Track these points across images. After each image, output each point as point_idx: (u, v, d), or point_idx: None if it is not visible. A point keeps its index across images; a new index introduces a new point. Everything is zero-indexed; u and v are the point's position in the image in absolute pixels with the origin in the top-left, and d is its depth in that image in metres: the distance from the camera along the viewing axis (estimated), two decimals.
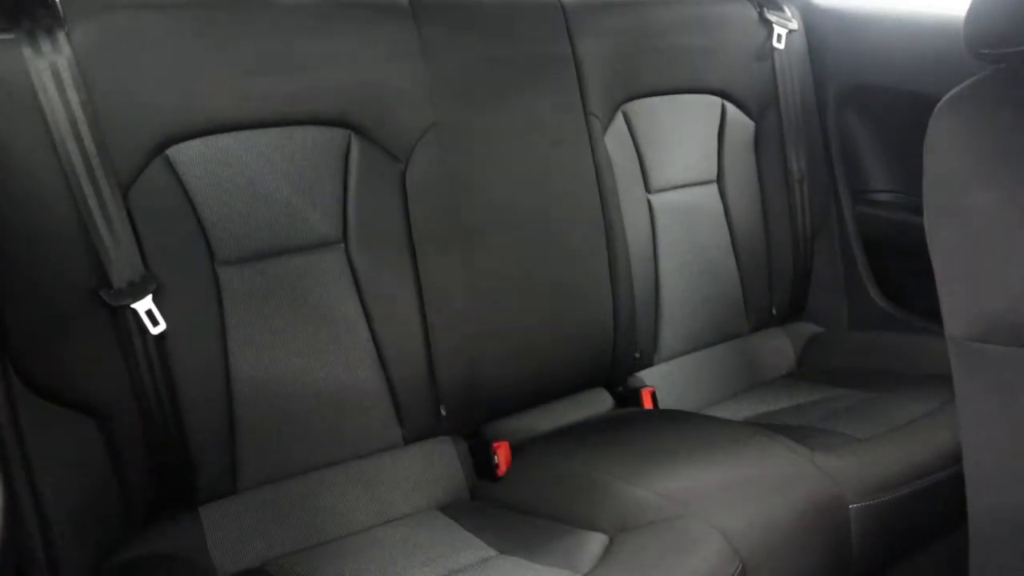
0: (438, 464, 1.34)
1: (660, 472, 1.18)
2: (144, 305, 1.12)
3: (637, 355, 1.61)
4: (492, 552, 1.11)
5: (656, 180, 1.66)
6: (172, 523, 1.17)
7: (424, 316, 1.34)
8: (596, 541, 1.07)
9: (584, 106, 1.52)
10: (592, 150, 1.52)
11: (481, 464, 1.36)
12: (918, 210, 1.81)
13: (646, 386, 1.58)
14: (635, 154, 1.63)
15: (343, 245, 1.29)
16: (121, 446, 1.15)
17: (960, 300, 1.01)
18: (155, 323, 1.13)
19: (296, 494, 1.23)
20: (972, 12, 1.04)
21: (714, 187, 1.75)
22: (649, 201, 1.65)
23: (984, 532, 1.06)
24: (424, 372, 1.34)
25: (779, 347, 1.83)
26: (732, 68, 1.73)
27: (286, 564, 1.16)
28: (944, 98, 1.07)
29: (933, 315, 1.79)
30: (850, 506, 1.16)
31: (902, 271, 1.86)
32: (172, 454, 1.16)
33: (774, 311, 1.83)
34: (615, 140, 1.58)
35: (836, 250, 1.91)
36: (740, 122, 1.77)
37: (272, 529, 1.21)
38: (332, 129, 1.29)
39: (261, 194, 1.23)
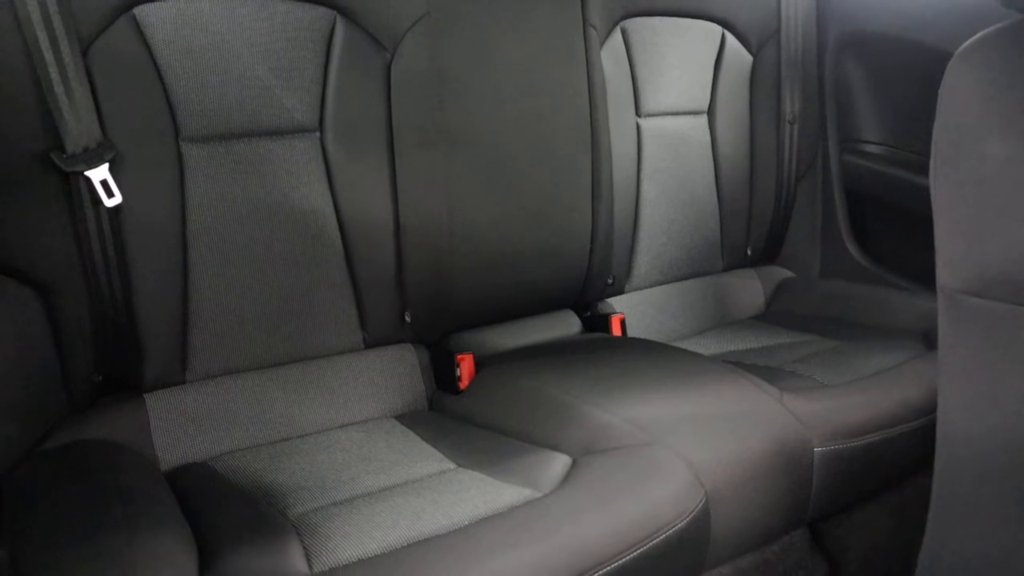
0: (398, 371, 1.29)
1: (628, 399, 1.15)
2: (99, 174, 1.04)
3: (610, 280, 1.57)
4: (450, 465, 1.07)
5: (647, 104, 1.60)
6: (115, 408, 1.11)
7: (397, 216, 1.28)
8: (559, 461, 1.03)
9: (584, 15, 1.44)
10: (587, 63, 1.45)
11: (443, 375, 1.32)
12: (906, 165, 1.82)
13: (616, 313, 1.55)
14: (629, 74, 1.56)
15: (318, 134, 1.22)
16: (65, 323, 1.08)
17: (958, 251, 0.97)
18: (110, 195, 1.05)
19: (248, 389, 1.18)
20: None
21: (704, 118, 1.70)
22: (638, 125, 1.59)
23: (947, 485, 1.05)
24: (391, 275, 1.28)
25: (750, 288, 1.81)
26: None
27: (231, 462, 1.11)
28: (965, 44, 1.02)
29: (905, 272, 1.81)
30: (815, 449, 1.14)
31: (880, 225, 1.84)
32: (119, 336, 1.10)
33: (749, 252, 1.80)
34: (611, 56, 1.51)
35: (817, 197, 1.88)
36: (738, 54, 1.71)
37: (220, 424, 1.16)
38: (316, 7, 1.20)
39: (235, 69, 1.14)
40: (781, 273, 1.86)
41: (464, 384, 1.29)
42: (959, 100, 0.99)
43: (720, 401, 1.16)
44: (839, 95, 1.83)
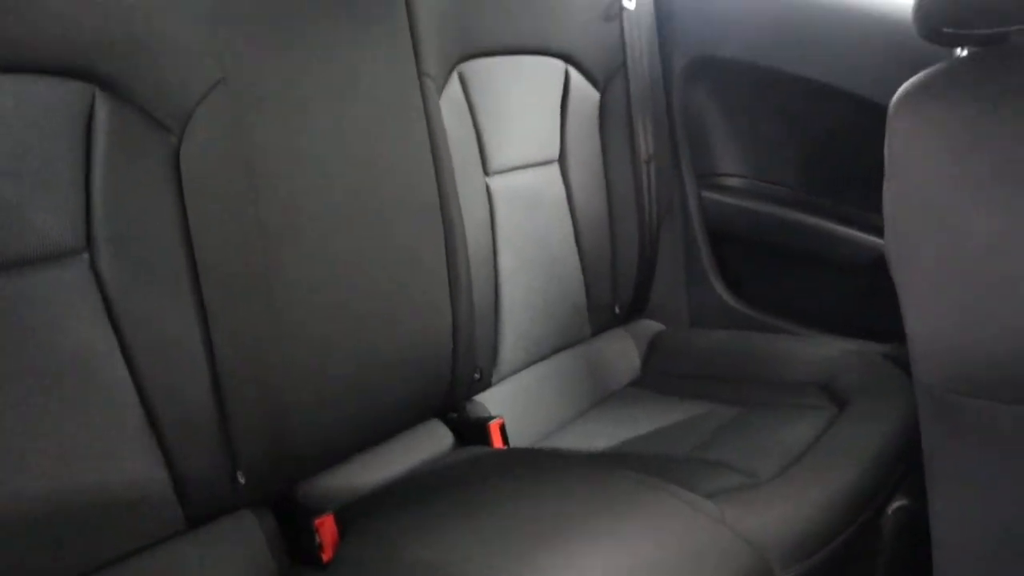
0: (237, 553, 0.97)
1: (533, 556, 0.89)
2: None
3: (477, 375, 1.31)
4: None
5: (495, 160, 1.36)
6: None
7: (209, 348, 0.96)
8: None
9: (417, 64, 1.18)
10: (427, 120, 1.19)
11: (298, 545, 1.01)
12: (768, 198, 1.68)
13: (489, 414, 1.30)
14: (472, 127, 1.32)
15: (87, 255, 0.88)
16: None
17: (936, 342, 0.80)
18: None
19: None
20: None
21: (556, 168, 1.48)
22: (488, 186, 1.35)
23: None
24: (213, 429, 0.96)
25: (624, 350, 1.61)
26: (578, 28, 1.47)
27: None
28: (900, 90, 0.87)
29: (779, 313, 1.68)
30: None
31: (747, 264, 1.71)
32: None
33: (617, 309, 1.61)
34: (451, 108, 1.26)
35: (679, 239, 1.72)
36: (584, 92, 1.51)
37: None
38: (65, 82, 0.86)
39: None
40: (652, 327, 1.68)
41: (328, 555, 0.99)
42: (914, 162, 0.82)
43: (658, 541, 0.93)
44: (692, 127, 1.68)
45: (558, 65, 1.46)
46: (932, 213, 0.79)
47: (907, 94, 0.84)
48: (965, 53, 0.89)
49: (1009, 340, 0.74)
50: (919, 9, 0.87)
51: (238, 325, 0.98)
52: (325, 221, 1.08)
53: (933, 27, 0.85)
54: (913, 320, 0.82)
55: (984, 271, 0.75)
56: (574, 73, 1.48)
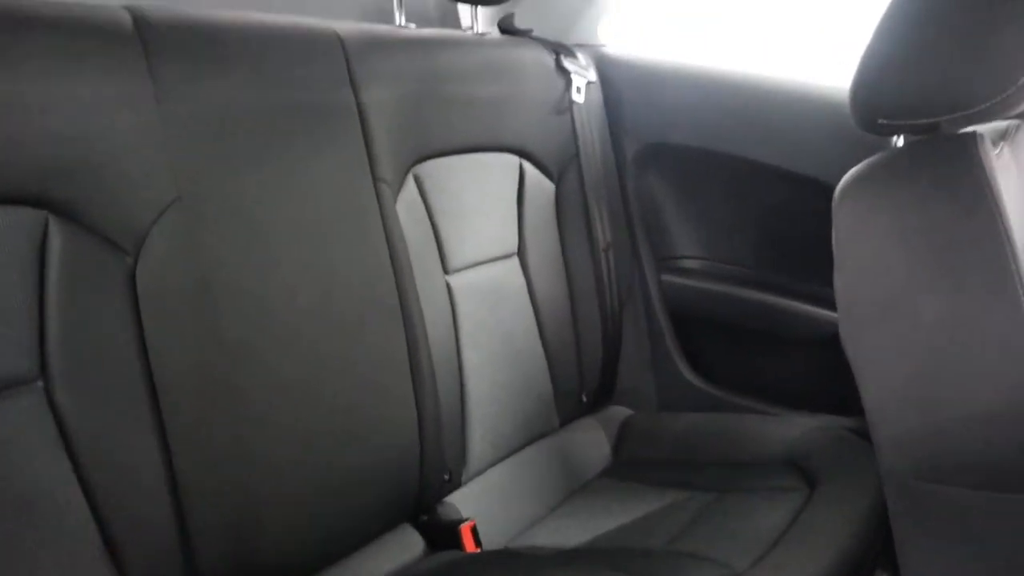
0: None
1: None
2: None
3: (446, 476, 1.29)
4: None
5: (454, 258, 1.36)
6: None
7: (172, 473, 0.93)
8: None
9: (372, 170, 1.19)
10: (384, 226, 1.19)
11: None
12: (725, 277, 1.70)
13: (460, 516, 1.27)
14: (430, 227, 1.32)
15: (41, 383, 0.86)
16: None
17: (902, 429, 0.80)
18: None
19: None
20: (865, 81, 0.87)
21: (516, 260, 1.49)
22: (448, 284, 1.35)
23: None
24: (175, 552, 0.93)
25: (593, 439, 1.60)
26: (530, 122, 1.49)
27: None
28: (842, 182, 0.89)
29: (745, 391, 1.69)
30: None
31: (711, 344, 1.72)
32: None
33: (584, 398, 1.60)
34: (407, 211, 1.27)
35: (642, 323, 1.73)
36: (540, 184, 1.53)
37: None
38: (18, 209, 0.85)
39: None
40: (620, 412, 1.68)
41: None
42: (861, 251, 0.83)
43: None
44: (647, 213, 1.71)
45: (512, 160, 1.48)
46: (883, 300, 0.81)
47: (849, 185, 0.86)
48: (902, 141, 0.92)
49: (970, 425, 0.75)
50: (855, 102, 0.90)
51: (199, 445, 0.96)
52: (286, 333, 1.06)
53: (869, 119, 0.88)
54: (873, 407, 0.83)
55: (937, 356, 0.77)
56: (528, 166, 1.50)
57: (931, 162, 0.85)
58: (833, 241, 0.86)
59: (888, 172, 0.85)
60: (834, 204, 0.86)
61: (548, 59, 1.54)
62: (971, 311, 0.74)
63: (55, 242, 0.88)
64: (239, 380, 1.00)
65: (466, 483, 1.35)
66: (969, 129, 0.86)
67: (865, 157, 0.94)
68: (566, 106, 1.55)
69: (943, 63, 0.80)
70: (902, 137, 0.91)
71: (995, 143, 0.93)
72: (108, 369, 0.90)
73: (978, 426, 0.76)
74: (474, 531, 1.24)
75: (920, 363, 0.79)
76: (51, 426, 0.86)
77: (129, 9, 0.99)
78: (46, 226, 0.87)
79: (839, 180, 0.92)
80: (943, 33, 0.81)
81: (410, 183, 1.29)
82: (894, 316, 0.80)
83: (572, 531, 1.33)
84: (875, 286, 0.82)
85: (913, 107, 0.84)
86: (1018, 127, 1.06)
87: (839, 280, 0.85)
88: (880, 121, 0.87)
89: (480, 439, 1.38)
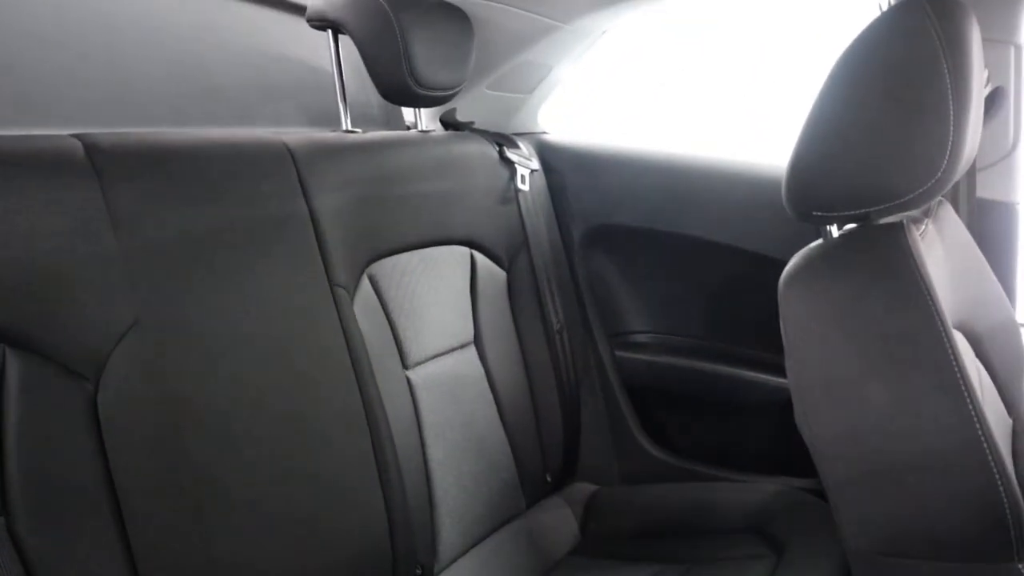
0: None
1: None
2: None
3: (419, 571, 1.29)
4: None
5: (412, 353, 1.38)
6: None
7: None
8: None
9: (328, 276, 1.21)
10: (343, 331, 1.21)
11: None
12: (677, 350, 1.75)
13: None
14: (387, 325, 1.35)
15: (3, 520, 0.86)
16: None
17: (860, 509, 0.84)
18: None
19: None
20: (797, 175, 0.92)
21: (472, 349, 1.51)
22: (409, 379, 1.36)
23: None
24: None
25: (561, 517, 1.61)
26: (478, 214, 1.53)
27: None
28: (785, 271, 0.94)
29: (707, 460, 1.72)
30: None
31: (670, 415, 1.75)
32: None
33: (549, 477, 1.62)
34: (364, 311, 1.29)
35: (600, 399, 1.76)
36: (491, 273, 1.56)
37: None
38: None
39: None
40: (585, 488, 1.70)
41: None
42: (807, 339, 0.88)
43: None
44: (598, 292, 1.75)
45: (463, 251, 1.51)
46: (832, 386, 0.85)
47: (792, 275, 0.90)
48: (835, 231, 0.97)
49: (926, 505, 0.78)
50: (789, 193, 0.95)
51: (169, 570, 0.95)
52: (252, 449, 1.07)
53: (804, 210, 0.93)
54: (832, 487, 0.86)
55: (890, 440, 0.80)
56: (479, 256, 1.53)
57: (865, 249, 0.90)
58: (781, 328, 0.90)
59: (826, 263, 0.90)
60: (779, 293, 0.90)
61: (491, 151, 1.59)
62: (916, 400, 0.78)
63: (13, 375, 0.88)
64: (206, 502, 1.00)
65: (439, 574, 1.35)
66: (897, 217, 0.92)
67: (810, 232, 0.99)
68: (512, 195, 1.60)
69: (869, 159, 0.86)
70: (835, 226, 0.96)
71: (919, 222, 0.99)
72: (72, 499, 0.90)
73: (935, 508, 0.79)
74: None
75: (873, 446, 0.82)
76: (14, 561, 0.86)
77: (79, 137, 1.01)
78: (3, 357, 0.88)
79: (784, 253, 0.97)
80: (866, 131, 0.86)
81: (365, 284, 1.31)
82: (845, 401, 0.84)
83: None
84: (824, 372, 0.85)
85: (843, 199, 0.89)
86: (939, 203, 1.13)
87: (790, 365, 0.89)
88: (815, 213, 0.92)
89: (450, 529, 1.39)
